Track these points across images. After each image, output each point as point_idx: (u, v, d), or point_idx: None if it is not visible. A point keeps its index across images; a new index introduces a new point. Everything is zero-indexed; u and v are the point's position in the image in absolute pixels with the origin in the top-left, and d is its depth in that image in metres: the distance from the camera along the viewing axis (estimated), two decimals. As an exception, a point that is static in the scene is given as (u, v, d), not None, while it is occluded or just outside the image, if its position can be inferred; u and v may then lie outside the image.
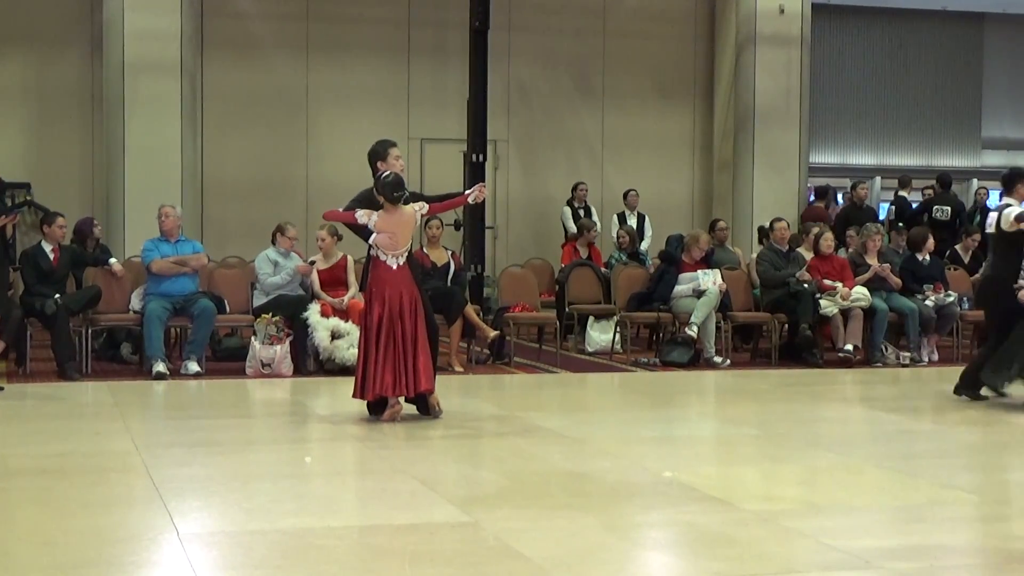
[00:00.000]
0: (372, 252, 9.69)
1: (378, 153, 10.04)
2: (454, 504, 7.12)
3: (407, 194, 9.71)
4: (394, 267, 9.59)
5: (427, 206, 9.86)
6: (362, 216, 9.57)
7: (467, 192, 10.16)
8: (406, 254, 9.67)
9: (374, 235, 9.58)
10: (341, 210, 9.84)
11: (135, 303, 13.18)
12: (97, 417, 10.54)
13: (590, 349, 15.25)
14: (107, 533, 6.37)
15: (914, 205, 19.62)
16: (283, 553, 6.06)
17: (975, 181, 24.38)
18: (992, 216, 11.60)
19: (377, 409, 9.81)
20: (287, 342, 12.78)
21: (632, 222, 18.01)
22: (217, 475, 7.95)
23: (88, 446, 9.05)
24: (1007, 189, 11.47)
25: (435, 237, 14.11)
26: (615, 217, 18.37)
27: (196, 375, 12.62)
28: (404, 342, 9.51)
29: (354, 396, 9.80)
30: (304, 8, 19.10)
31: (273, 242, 13.67)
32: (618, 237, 17.01)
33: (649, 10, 20.43)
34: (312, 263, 13.51)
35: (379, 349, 9.48)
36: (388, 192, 9.55)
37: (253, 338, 12.84)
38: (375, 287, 9.60)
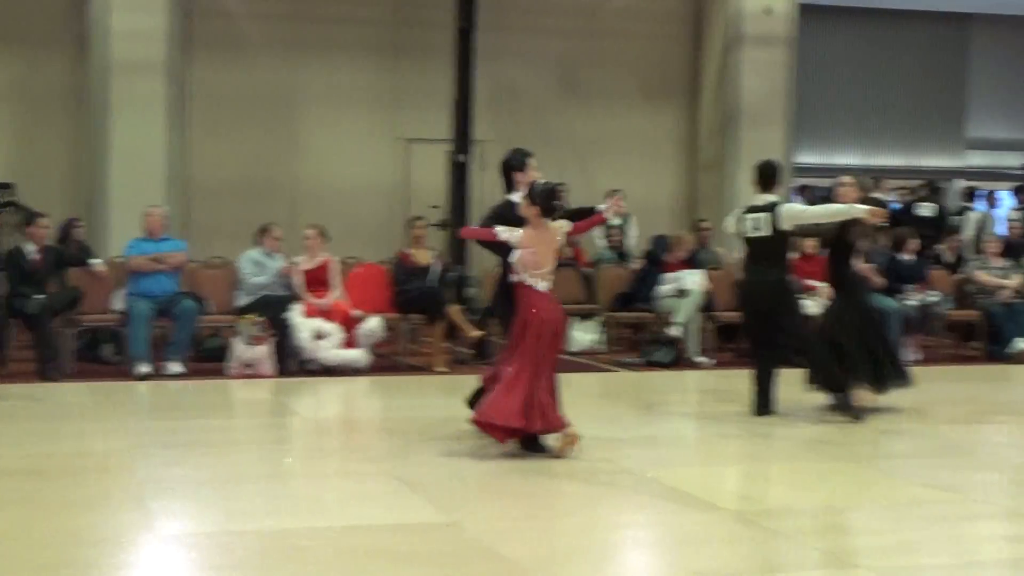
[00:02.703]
0: (513, 276, 8.58)
1: (515, 164, 9.09)
2: (435, 505, 7.12)
3: (563, 207, 8.84)
4: (543, 290, 8.55)
5: (571, 225, 8.75)
6: (503, 232, 8.54)
7: (604, 208, 9.03)
8: (551, 277, 8.64)
9: (517, 253, 8.51)
10: (477, 227, 9.02)
11: (117, 303, 13.16)
12: (79, 418, 10.51)
13: (573, 349, 15.24)
14: (87, 534, 6.36)
15: (895, 206, 19.64)
16: (263, 554, 6.05)
17: (960, 181, 24.44)
18: None
19: (528, 443, 8.62)
20: (270, 342, 12.76)
21: (617, 221, 17.98)
22: (198, 476, 7.94)
23: (70, 447, 9.03)
24: None
25: (419, 237, 14.10)
26: (600, 217, 18.36)
27: (178, 375, 12.60)
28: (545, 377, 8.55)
29: (515, 432, 8.52)
30: (291, 8, 19.07)
31: (257, 242, 13.65)
32: (608, 235, 16.99)
33: (635, 10, 20.43)
34: (295, 263, 13.49)
35: (542, 378, 8.47)
36: (545, 201, 8.49)
37: (236, 338, 12.83)
38: (529, 312, 8.48)
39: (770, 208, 10.31)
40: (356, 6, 19.27)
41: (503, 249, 8.63)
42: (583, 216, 9.01)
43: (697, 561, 6.07)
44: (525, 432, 8.43)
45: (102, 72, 17.13)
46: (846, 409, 10.36)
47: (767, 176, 10.52)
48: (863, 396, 10.50)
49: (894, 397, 10.95)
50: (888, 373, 10.76)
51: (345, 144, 19.16)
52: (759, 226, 10.32)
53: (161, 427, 10.16)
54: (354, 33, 19.29)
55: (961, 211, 19.60)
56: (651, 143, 20.43)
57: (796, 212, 10.60)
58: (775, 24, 19.36)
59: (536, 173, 8.96)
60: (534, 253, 8.45)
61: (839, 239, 10.71)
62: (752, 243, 10.44)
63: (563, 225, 8.62)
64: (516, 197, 8.84)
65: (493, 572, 5.86)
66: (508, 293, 8.67)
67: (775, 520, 6.89)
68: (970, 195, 20.37)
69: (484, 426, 8.53)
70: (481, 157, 18.81)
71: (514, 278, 8.56)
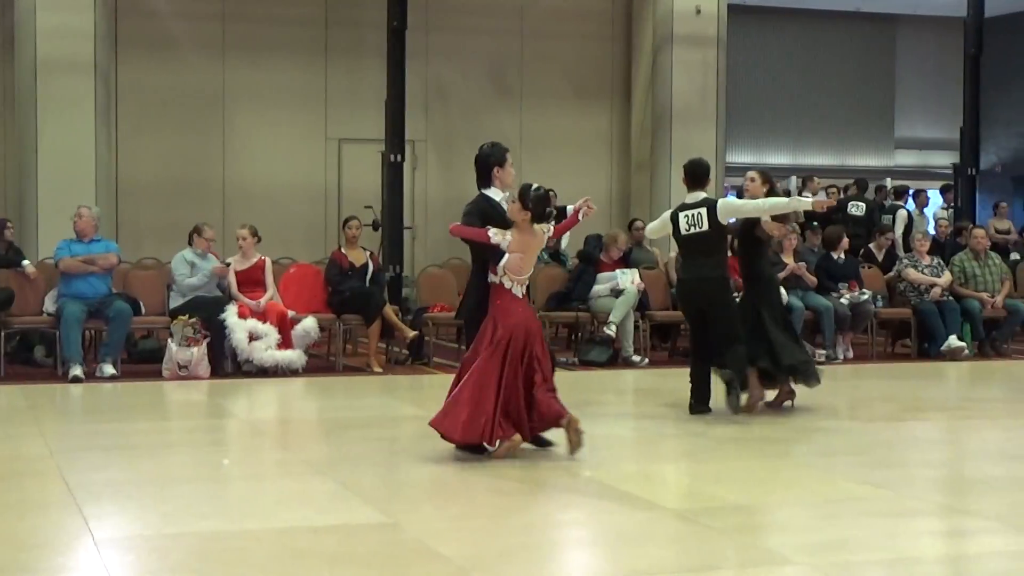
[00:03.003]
0: (492, 278, 8.39)
1: (496, 159, 8.78)
2: (374, 505, 7.10)
3: (554, 212, 8.54)
4: (519, 296, 8.42)
5: (552, 228, 8.57)
6: (495, 235, 8.27)
7: (577, 208, 8.70)
8: (527, 283, 8.54)
9: (505, 257, 8.28)
10: (462, 224, 8.54)
11: (49, 305, 13.02)
12: (10, 421, 10.38)
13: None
14: (21, 539, 6.28)
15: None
16: (200, 557, 6.01)
17: (889, 180, 24.69)
18: None
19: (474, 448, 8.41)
20: (204, 344, 12.68)
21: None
22: (133, 479, 7.87)
23: (2, 451, 8.90)
24: None
25: (354, 237, 14.06)
26: (532, 216, 18.38)
27: (111, 378, 12.49)
28: (516, 383, 8.32)
29: (458, 438, 8.35)
30: (220, 8, 18.95)
31: (190, 243, 13.56)
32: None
33: (566, 10, 20.47)
34: (228, 264, 13.42)
35: (502, 387, 8.26)
36: (540, 208, 8.30)
37: (170, 340, 12.74)
38: (500, 318, 8.32)
39: (705, 204, 10.30)
40: (287, 6, 19.18)
41: (492, 252, 8.35)
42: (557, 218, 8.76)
43: (636, 559, 6.09)
44: (466, 443, 8.33)
45: (28, 71, 16.94)
46: (735, 404, 10.40)
47: (697, 174, 10.48)
48: (755, 393, 10.51)
49: (828, 395, 11.04)
50: (792, 370, 10.74)
51: (277, 144, 19.07)
52: (695, 223, 10.27)
53: (95, 430, 10.06)
54: (285, 33, 19.19)
55: (892, 210, 19.79)
56: (584, 143, 20.48)
57: (736, 206, 10.62)
58: (705, 24, 19.46)
59: (512, 170, 8.84)
60: (521, 258, 8.31)
61: (748, 235, 10.75)
62: (688, 241, 10.38)
63: (546, 229, 8.46)
64: (494, 193, 8.71)
65: (432, 572, 5.84)
66: (482, 295, 8.52)
67: (713, 518, 6.92)
68: (902, 194, 20.60)
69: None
70: (414, 157, 18.81)
71: (492, 279, 8.39)
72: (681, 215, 10.37)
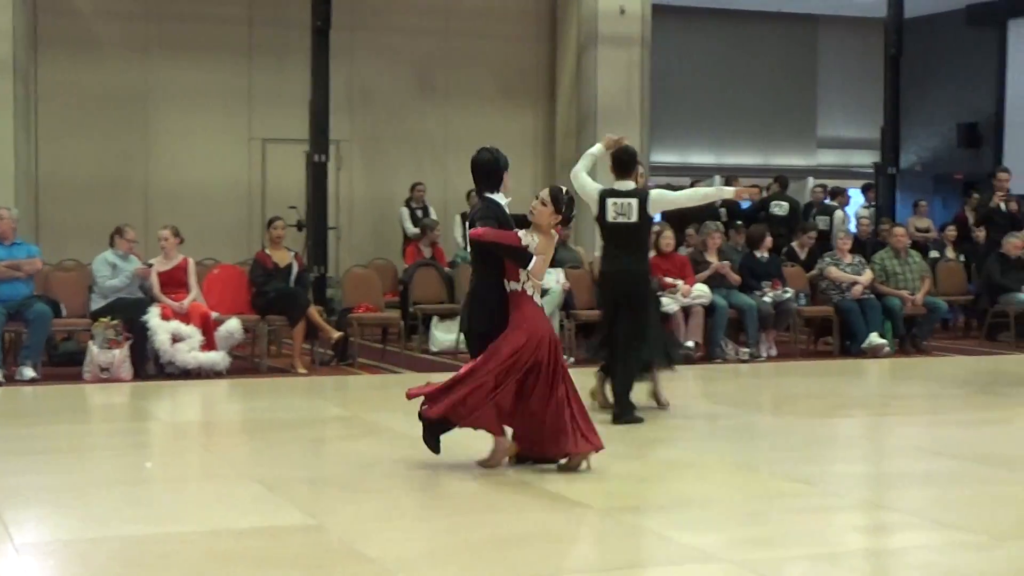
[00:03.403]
0: (514, 285, 8.08)
1: (503, 163, 8.41)
2: (298, 507, 7.07)
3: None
4: (538, 302, 8.20)
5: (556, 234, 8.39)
6: (526, 237, 8.04)
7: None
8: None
9: (533, 260, 8.02)
10: (479, 226, 8.16)
11: (-33, 308, 12.85)
12: (-72, 425, 10.25)
13: (434, 349, 15.25)
14: (-61, 545, 6.20)
15: (744, 204, 20.00)
16: (123, 562, 5.96)
17: (811, 179, 24.92)
18: None
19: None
20: (126, 346, 12.56)
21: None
22: (54, 483, 7.78)
23: (-81, 455, 8.79)
24: None
25: (278, 238, 13.98)
26: (458, 217, 18.37)
27: (31, 381, 12.34)
28: (534, 396, 8.01)
29: (438, 411, 8.07)
30: (142, 7, 18.77)
31: (111, 244, 13.42)
32: (467, 236, 16.98)
33: (491, 10, 20.46)
34: (150, 266, 13.30)
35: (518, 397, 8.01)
36: (570, 211, 8.23)
37: (91, 342, 12.60)
38: (525, 326, 7.99)
39: (636, 194, 10.17)
40: (211, 5, 19.03)
41: (521, 256, 8.04)
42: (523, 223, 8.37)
43: (563, 558, 6.11)
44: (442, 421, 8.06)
45: (-54, 71, 16.71)
46: (631, 414, 10.13)
47: (624, 160, 10.25)
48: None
49: (753, 393, 11.11)
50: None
51: (200, 144, 18.92)
52: (623, 212, 10.08)
53: (15, 434, 9.92)
54: (208, 32, 19.04)
55: (829, 210, 20.01)
56: (509, 143, 20.16)
57: (669, 198, 10.52)
58: (629, 24, 19.52)
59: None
60: (544, 261, 8.11)
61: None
62: (615, 230, 10.10)
63: (554, 234, 8.26)
64: (500, 198, 8.33)
65: (358, 574, 5.83)
66: (494, 304, 8.14)
67: (640, 516, 6.96)
68: (838, 195, 20.83)
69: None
70: (339, 157, 18.73)
71: (513, 286, 8.07)
72: (610, 201, 10.10)
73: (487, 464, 8.11)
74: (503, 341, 7.97)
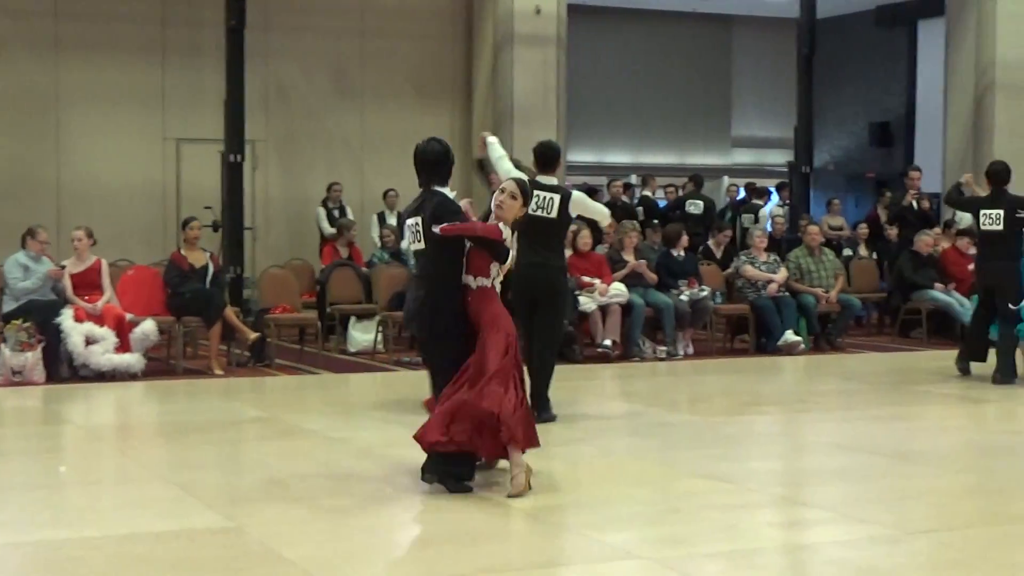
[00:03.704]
0: (483, 281, 7.71)
1: (451, 156, 8.18)
2: (215, 509, 7.02)
3: None
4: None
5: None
6: (505, 230, 7.78)
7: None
8: None
9: (511, 253, 7.85)
10: (456, 224, 7.73)
11: None
12: None
13: (352, 349, 15.20)
14: None
15: (661, 203, 20.15)
16: (37, 567, 5.89)
17: (726, 178, 25.12)
18: None
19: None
20: (39, 348, 12.41)
21: (392, 221, 17.96)
22: (-34, 488, 7.68)
23: None
24: None
25: (194, 239, 13.85)
26: (375, 217, 18.34)
27: (-58, 385, 12.17)
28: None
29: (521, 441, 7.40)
30: (52, 5, 18.55)
31: (23, 245, 13.25)
32: (382, 236, 16.96)
33: (406, 10, 20.43)
34: (63, 267, 13.15)
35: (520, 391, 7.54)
36: (529, 200, 8.20)
37: (3, 345, 12.43)
38: (501, 322, 7.62)
39: (559, 191, 10.16)
40: (122, 4, 18.84)
41: (500, 249, 7.75)
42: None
43: (482, 557, 6.11)
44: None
45: None
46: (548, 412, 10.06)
47: (548, 156, 10.28)
48: None
49: (669, 391, 11.17)
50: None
51: (113, 144, 18.73)
52: (545, 207, 10.02)
53: (-76, 439, 9.78)
54: (120, 31, 18.85)
55: (754, 208, 20.20)
56: (425, 142, 20.46)
57: (586, 205, 10.49)
58: (545, 24, 19.57)
59: None
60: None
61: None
62: (534, 223, 9.69)
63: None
64: (449, 192, 8.05)
65: (276, 575, 5.80)
66: (456, 305, 7.72)
67: (560, 515, 6.99)
68: (763, 194, 21.03)
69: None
70: (254, 157, 18.62)
71: (482, 282, 7.69)
72: (533, 193, 9.76)
73: (521, 492, 7.29)
74: (490, 346, 7.47)
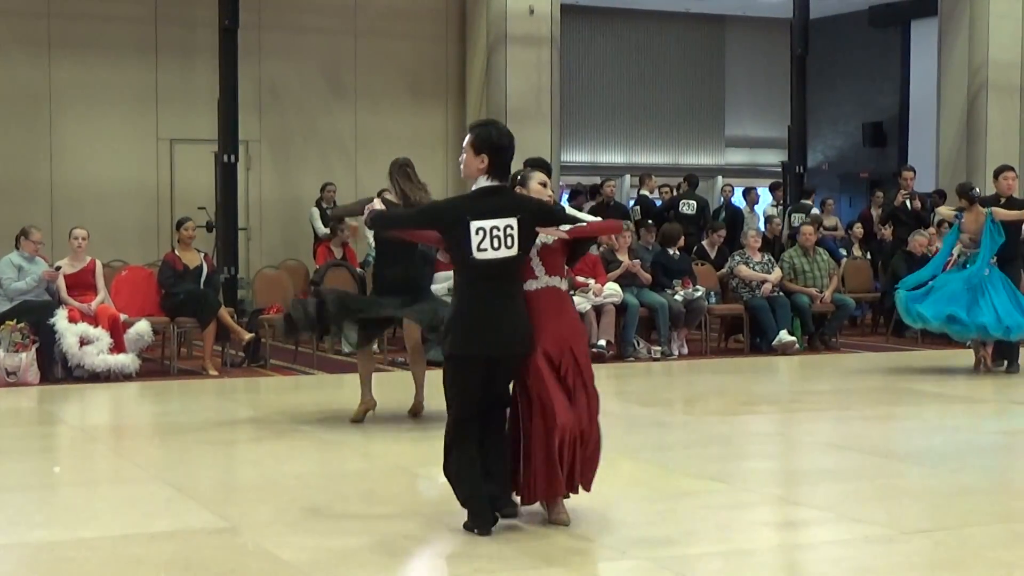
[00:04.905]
0: (557, 281, 6.86)
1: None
2: (211, 510, 7.01)
3: None
4: None
5: None
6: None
7: None
8: None
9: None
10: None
11: None
12: None
13: (346, 350, 15.16)
14: None
15: (657, 203, 20.15)
16: (32, 567, 5.88)
17: (720, 178, 25.14)
18: None
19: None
20: (33, 349, 12.39)
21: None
22: (-40, 489, 7.67)
23: None
24: None
25: (188, 239, 13.84)
26: (370, 217, 18.32)
27: (-64, 385, 12.15)
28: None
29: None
30: (45, 5, 18.52)
31: (16, 246, 13.23)
32: (376, 235, 16.93)
33: (400, 9, 20.42)
34: (58, 268, 13.13)
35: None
36: None
37: (-4, 346, 12.43)
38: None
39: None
40: (115, 3, 18.82)
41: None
42: None
43: (474, 559, 6.10)
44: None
45: None
46: None
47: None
48: None
49: (664, 391, 11.17)
50: None
51: (106, 145, 18.70)
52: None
53: (-82, 439, 9.77)
54: (114, 30, 18.83)
55: (723, 207, 20.23)
56: (419, 143, 20.43)
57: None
58: (539, 24, 19.58)
59: None
60: None
61: None
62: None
63: None
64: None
65: (272, 576, 5.80)
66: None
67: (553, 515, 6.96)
68: (809, 192, 21.06)
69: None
70: (248, 157, 18.61)
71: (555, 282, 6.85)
72: None
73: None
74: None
